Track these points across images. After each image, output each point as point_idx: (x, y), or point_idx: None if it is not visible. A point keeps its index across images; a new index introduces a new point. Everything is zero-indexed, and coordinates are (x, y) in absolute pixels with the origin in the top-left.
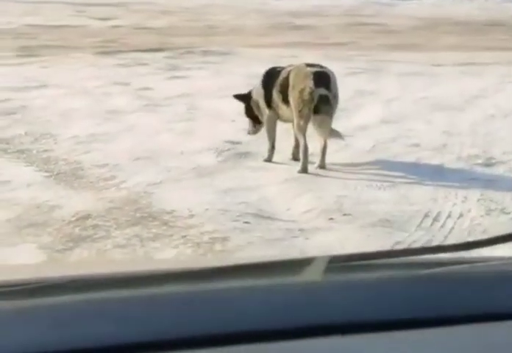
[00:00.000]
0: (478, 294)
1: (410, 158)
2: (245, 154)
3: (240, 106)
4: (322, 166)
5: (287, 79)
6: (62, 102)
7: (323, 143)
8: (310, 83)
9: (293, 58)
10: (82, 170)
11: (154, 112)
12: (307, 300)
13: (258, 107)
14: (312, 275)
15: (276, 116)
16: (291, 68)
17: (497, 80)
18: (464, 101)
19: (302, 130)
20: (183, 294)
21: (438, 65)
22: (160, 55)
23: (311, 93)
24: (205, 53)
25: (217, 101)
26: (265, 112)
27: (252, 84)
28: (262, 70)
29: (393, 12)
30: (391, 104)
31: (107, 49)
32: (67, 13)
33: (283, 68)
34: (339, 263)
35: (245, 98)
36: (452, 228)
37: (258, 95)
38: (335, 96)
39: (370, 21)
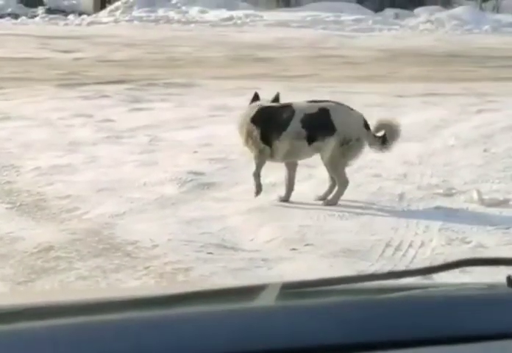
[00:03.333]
0: (432, 318)
1: (372, 188)
2: (208, 185)
3: (202, 137)
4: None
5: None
6: (25, 134)
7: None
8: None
9: (256, 90)
10: (45, 201)
11: (117, 143)
12: (260, 324)
13: None
14: (265, 300)
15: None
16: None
17: (458, 110)
18: (426, 131)
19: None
20: (143, 320)
21: (401, 96)
22: (122, 87)
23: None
24: (168, 85)
25: (179, 132)
26: None
27: (216, 115)
28: (225, 101)
29: (355, 44)
30: None
31: (70, 81)
32: (31, 46)
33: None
34: (292, 289)
35: None
36: (414, 257)
37: None
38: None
39: (332, 53)
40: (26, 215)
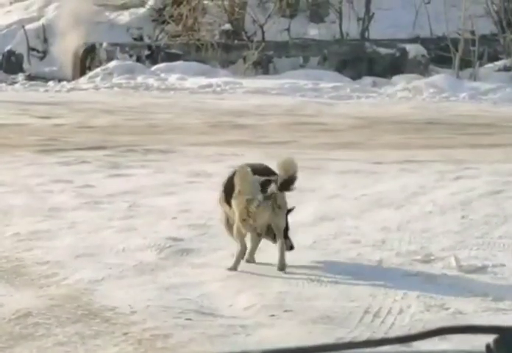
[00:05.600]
0: None
1: (350, 254)
2: (186, 251)
3: (180, 203)
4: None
5: (232, 178)
6: (3, 200)
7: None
8: (260, 196)
9: (235, 156)
10: (24, 267)
11: (96, 209)
12: None
13: None
14: None
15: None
16: (237, 168)
17: (435, 177)
18: (403, 197)
19: (241, 236)
20: None
21: (378, 163)
22: (101, 153)
23: (258, 206)
24: (147, 151)
25: (158, 198)
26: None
27: (195, 181)
28: (204, 168)
29: (332, 112)
30: (332, 201)
31: (49, 147)
32: (10, 112)
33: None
34: None
35: None
36: (393, 324)
37: None
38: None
39: (310, 120)
40: (4, 282)
